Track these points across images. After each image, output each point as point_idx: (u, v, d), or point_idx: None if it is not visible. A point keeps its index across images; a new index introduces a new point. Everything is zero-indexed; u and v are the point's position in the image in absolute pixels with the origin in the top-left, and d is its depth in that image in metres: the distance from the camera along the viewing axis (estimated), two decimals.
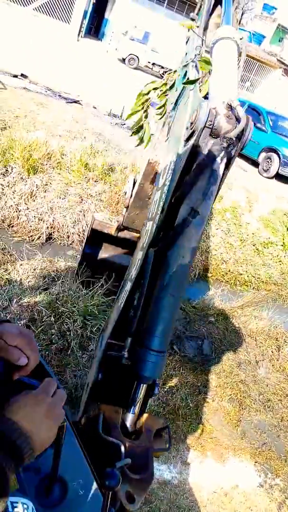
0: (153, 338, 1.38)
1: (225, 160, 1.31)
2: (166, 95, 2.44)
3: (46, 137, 6.44)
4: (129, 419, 1.48)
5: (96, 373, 1.59)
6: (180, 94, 2.05)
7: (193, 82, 1.65)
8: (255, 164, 11.17)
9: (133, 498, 1.31)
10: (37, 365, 1.27)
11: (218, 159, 1.30)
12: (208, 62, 1.66)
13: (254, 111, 11.84)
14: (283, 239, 7.83)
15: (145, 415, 1.52)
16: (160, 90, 2.54)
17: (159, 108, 2.52)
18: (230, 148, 1.29)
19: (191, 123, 1.32)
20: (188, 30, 2.40)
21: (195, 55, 1.85)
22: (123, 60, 19.95)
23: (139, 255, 1.70)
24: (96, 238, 4.14)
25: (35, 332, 3.67)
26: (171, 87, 2.37)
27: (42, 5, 19.80)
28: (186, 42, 2.63)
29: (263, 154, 10.88)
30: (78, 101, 9.50)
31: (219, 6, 2.17)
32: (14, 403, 0.76)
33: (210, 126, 1.25)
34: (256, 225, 7.86)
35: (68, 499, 0.99)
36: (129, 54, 19.78)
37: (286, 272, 7.55)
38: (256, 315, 5.83)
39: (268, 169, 10.63)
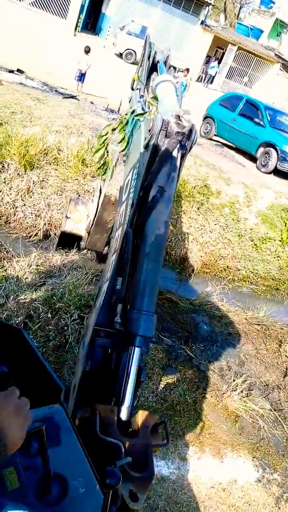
0: (142, 299, 1.55)
1: (180, 152, 1.65)
2: (124, 130, 2.94)
3: (42, 133, 6.39)
4: (124, 413, 1.48)
5: (84, 364, 1.60)
6: (133, 129, 2.59)
7: (142, 114, 2.23)
8: (253, 159, 11.12)
9: (136, 497, 1.30)
10: (36, 365, 1.26)
11: (176, 150, 1.64)
12: (156, 98, 2.22)
13: (252, 106, 11.77)
14: (281, 235, 7.82)
15: (140, 412, 1.52)
16: (115, 129, 3.11)
17: (120, 141, 2.99)
18: (182, 142, 1.64)
19: (149, 130, 1.66)
20: (133, 82, 3.26)
21: (141, 97, 2.59)
22: (120, 55, 19.80)
23: (111, 259, 1.93)
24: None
25: (32, 329, 3.65)
26: (126, 123, 2.89)
27: (38, 0, 19.63)
28: (129, 100, 3.40)
29: (261, 149, 10.82)
30: (75, 96, 9.43)
31: (155, 72, 3.05)
32: None
33: (165, 129, 1.61)
34: (254, 220, 7.84)
35: (69, 497, 0.97)
36: (126, 49, 19.63)
37: (284, 267, 7.54)
38: (254, 310, 5.83)
39: (266, 164, 10.59)
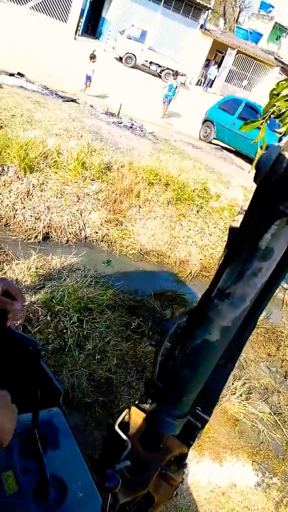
0: (172, 405, 1.35)
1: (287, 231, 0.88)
2: None
3: (42, 136, 6.41)
4: (153, 432, 1.47)
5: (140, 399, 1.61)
6: None
7: None
8: (252, 162, 11.17)
9: (116, 498, 1.31)
10: (36, 366, 1.26)
11: (273, 227, 0.86)
12: None
13: (251, 109, 11.83)
14: None
15: (173, 438, 1.51)
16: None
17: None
18: None
19: (256, 164, 0.92)
20: None
21: None
22: (120, 59, 19.87)
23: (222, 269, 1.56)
24: None
25: (31, 332, 3.65)
26: None
27: (39, 4, 19.73)
28: None
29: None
30: (75, 99, 9.47)
31: None
32: None
33: (274, 174, 0.84)
34: None
35: (67, 501, 0.97)
36: (126, 53, 19.69)
37: None
38: None
39: None
